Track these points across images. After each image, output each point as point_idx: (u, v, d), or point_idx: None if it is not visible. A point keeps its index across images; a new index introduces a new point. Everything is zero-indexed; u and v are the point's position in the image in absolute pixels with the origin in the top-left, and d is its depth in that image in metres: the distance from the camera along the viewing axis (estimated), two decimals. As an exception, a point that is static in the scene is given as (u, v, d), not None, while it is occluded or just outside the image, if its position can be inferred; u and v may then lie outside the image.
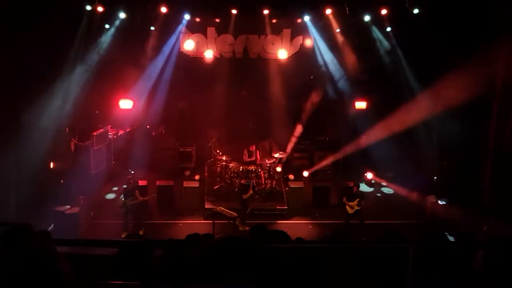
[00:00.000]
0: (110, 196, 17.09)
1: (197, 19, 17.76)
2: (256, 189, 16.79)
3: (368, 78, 18.39)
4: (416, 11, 16.42)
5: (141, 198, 14.86)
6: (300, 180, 17.94)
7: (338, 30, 17.92)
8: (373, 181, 18.10)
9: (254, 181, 16.88)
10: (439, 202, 15.82)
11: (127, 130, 18.78)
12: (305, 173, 18.54)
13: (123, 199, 14.78)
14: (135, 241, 7.54)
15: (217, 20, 17.96)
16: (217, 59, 18.50)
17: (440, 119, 17.07)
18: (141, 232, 14.25)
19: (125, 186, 15.09)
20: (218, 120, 18.64)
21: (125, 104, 17.53)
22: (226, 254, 1.80)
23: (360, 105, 18.15)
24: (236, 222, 14.96)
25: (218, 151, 17.89)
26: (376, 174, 18.11)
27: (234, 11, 17.33)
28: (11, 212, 13.25)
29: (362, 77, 18.34)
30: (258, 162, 17.42)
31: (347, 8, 16.66)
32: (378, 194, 17.59)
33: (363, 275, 5.31)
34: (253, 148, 17.59)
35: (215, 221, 14.41)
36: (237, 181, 16.98)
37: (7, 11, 13.47)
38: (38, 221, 13.11)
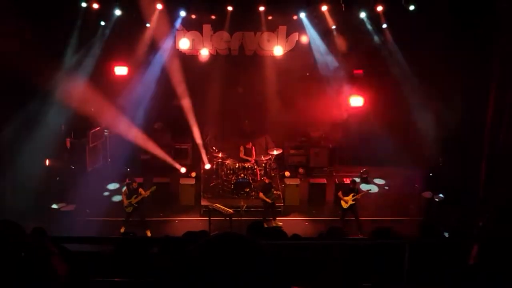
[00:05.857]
0: (117, 198, 16.93)
1: (193, 16, 17.73)
2: (252, 186, 16.84)
3: (364, 74, 18.38)
4: (412, 7, 16.40)
5: (145, 193, 14.81)
6: (296, 177, 17.98)
7: (334, 27, 17.91)
8: (369, 178, 18.14)
9: (250, 178, 16.93)
10: (435, 198, 15.85)
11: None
12: (301, 170, 18.60)
13: (127, 199, 14.67)
14: (131, 238, 7.54)
15: (213, 17, 17.93)
16: (213, 56, 18.47)
17: (436, 115, 17.11)
18: (148, 233, 14.23)
19: (125, 186, 15.01)
20: (214, 117, 18.64)
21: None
22: (220, 250, 1.80)
23: (356, 101, 17.88)
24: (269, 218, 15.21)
25: (214, 148, 17.90)
26: (372, 170, 18.16)
27: (229, 8, 17.30)
28: (6, 209, 13.24)
29: (358, 73, 18.33)
30: (254, 159, 17.44)
31: (343, 5, 16.64)
32: (373, 190, 17.55)
33: (359, 271, 5.33)
34: (249, 145, 17.63)
35: (211, 218, 14.43)
36: (233, 178, 16.98)
37: (0, 9, 13.45)
38: (34, 218, 13.10)
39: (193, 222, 15.23)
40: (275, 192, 15.72)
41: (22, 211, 13.04)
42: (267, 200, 15.40)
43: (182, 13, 17.45)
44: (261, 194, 15.55)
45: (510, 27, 14.50)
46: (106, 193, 17.19)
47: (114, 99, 17.54)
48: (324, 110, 18.61)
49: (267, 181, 15.92)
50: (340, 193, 15.17)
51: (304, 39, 18.40)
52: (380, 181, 18.20)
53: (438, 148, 17.18)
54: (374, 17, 17.50)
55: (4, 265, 2.31)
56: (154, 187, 15.26)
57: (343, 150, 18.69)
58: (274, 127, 18.94)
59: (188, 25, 18.11)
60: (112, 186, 17.41)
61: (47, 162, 16.17)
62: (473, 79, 15.59)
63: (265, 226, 14.50)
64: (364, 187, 17.25)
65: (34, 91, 14.96)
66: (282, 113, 18.66)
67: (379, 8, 17.01)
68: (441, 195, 15.83)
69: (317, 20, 17.86)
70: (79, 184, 15.90)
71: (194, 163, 18.71)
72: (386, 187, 17.97)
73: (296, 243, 5.92)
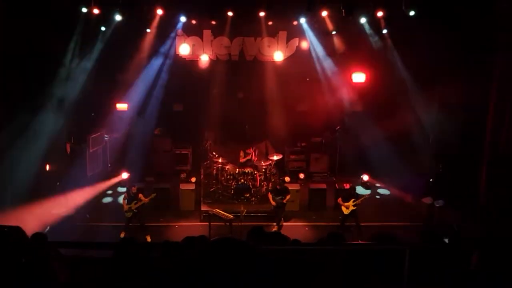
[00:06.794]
0: (107, 200, 17.07)
1: (193, 22, 17.73)
2: (252, 191, 16.83)
3: (364, 80, 18.37)
4: (412, 13, 16.40)
5: (145, 200, 14.77)
6: (296, 182, 17.97)
7: (334, 32, 17.92)
8: (369, 183, 18.12)
9: (250, 183, 16.92)
10: (436, 203, 15.82)
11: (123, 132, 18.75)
12: (301, 175, 18.58)
13: (127, 204, 14.62)
14: (131, 243, 7.52)
15: (213, 23, 17.93)
16: (213, 62, 18.48)
17: (437, 121, 17.09)
18: (148, 239, 14.19)
19: (125, 190, 15.00)
20: (214, 122, 18.65)
21: (122, 106, 17.61)
22: (220, 254, 1.80)
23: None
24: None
25: (214, 153, 17.89)
26: (372, 175, 18.14)
27: (230, 14, 17.31)
28: (7, 214, 13.21)
29: (358, 79, 18.33)
30: (255, 161, 17.42)
31: (343, 10, 16.64)
32: (376, 196, 17.56)
33: (359, 276, 5.31)
34: (250, 150, 17.65)
35: (211, 223, 14.41)
36: (233, 183, 16.98)
37: (1, 13, 13.47)
38: (34, 223, 13.08)
39: (193, 227, 15.21)
40: (284, 199, 15.63)
41: (22, 216, 13.02)
42: (271, 201, 15.52)
43: (183, 19, 17.47)
44: (269, 194, 15.81)
45: (510, 27, 14.50)
46: (109, 191, 17.36)
47: (115, 103, 17.63)
48: (325, 115, 18.62)
49: (278, 187, 15.96)
50: (339, 200, 15.15)
51: (304, 44, 18.41)
52: (383, 191, 18.17)
53: (439, 153, 17.17)
54: (374, 22, 17.50)
55: (6, 268, 2.30)
56: (154, 194, 15.22)
57: (343, 155, 18.68)
58: (274, 132, 18.93)
59: (189, 31, 18.12)
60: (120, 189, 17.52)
61: (47, 167, 16.16)
62: (474, 83, 15.58)
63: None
64: (364, 191, 17.22)
65: (34, 95, 14.96)
66: (282, 119, 18.66)
67: (380, 14, 17.00)
68: (441, 200, 15.79)
69: (317, 26, 17.87)
70: (79, 188, 15.93)
71: (194, 169, 18.73)
72: (378, 196, 17.94)
73: (295, 248, 5.90)
